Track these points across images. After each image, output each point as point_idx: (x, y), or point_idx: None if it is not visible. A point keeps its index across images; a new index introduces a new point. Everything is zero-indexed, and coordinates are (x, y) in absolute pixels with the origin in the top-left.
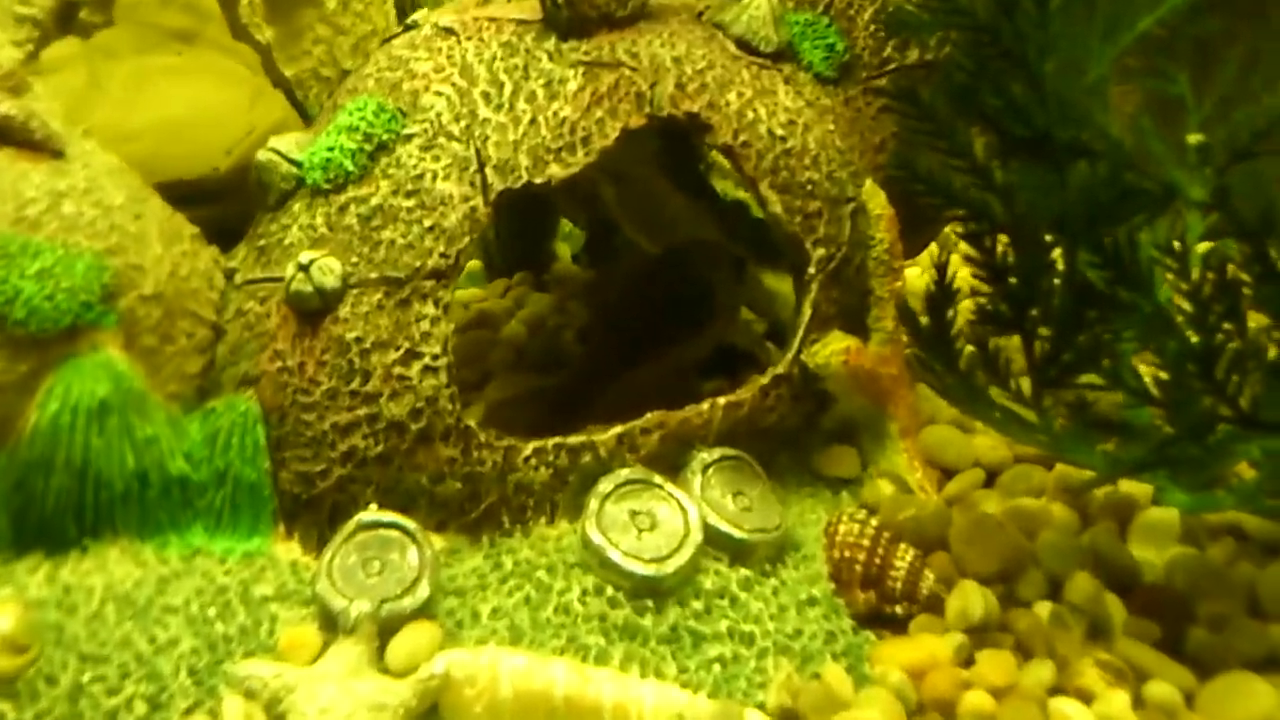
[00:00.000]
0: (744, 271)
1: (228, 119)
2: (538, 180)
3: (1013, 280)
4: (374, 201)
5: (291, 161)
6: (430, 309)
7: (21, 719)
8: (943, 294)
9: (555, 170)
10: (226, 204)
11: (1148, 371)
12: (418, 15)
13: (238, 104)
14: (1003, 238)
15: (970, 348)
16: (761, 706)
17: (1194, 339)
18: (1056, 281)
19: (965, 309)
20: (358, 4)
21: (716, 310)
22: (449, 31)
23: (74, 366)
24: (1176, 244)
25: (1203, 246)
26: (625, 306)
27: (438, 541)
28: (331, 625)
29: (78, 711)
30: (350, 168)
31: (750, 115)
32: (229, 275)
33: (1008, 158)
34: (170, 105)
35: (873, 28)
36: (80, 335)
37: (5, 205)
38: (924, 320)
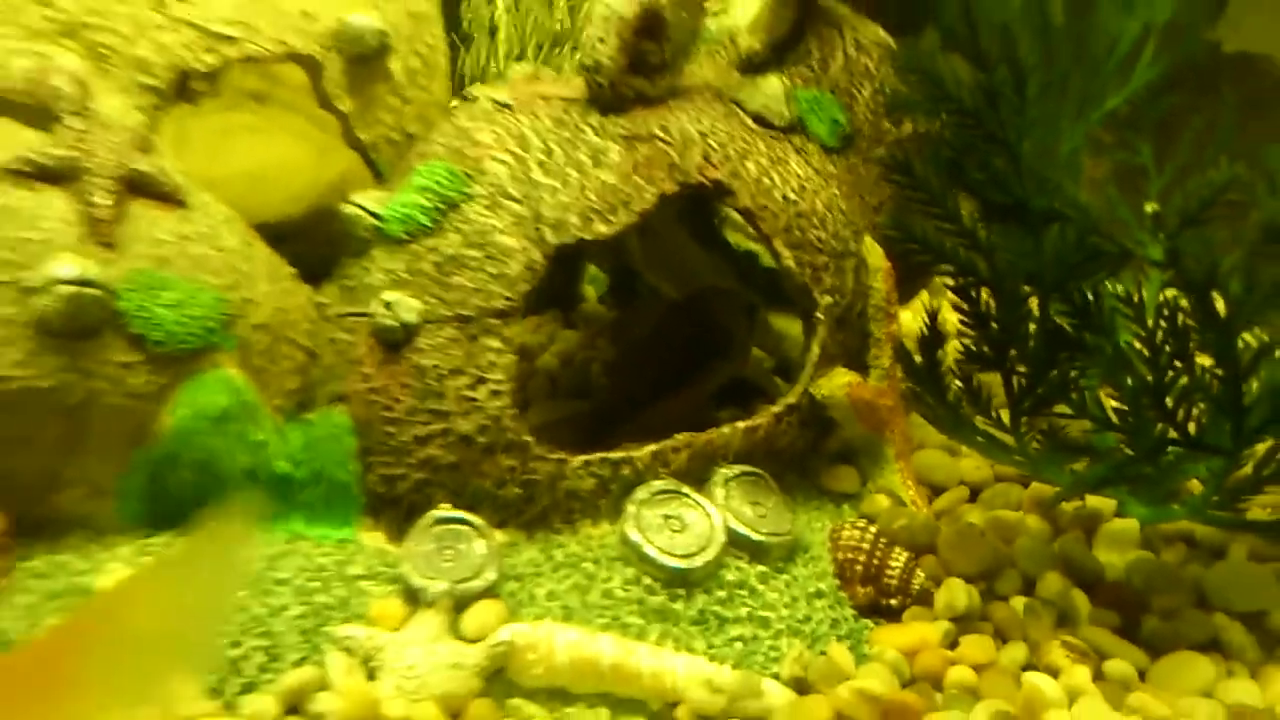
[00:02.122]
0: (755, 315)
1: (297, 171)
2: (587, 236)
3: (994, 326)
4: (446, 251)
5: (373, 215)
6: (496, 343)
7: None
8: (933, 337)
9: (601, 228)
10: (297, 245)
11: (1110, 403)
12: (474, 89)
13: (306, 158)
14: (986, 290)
15: (957, 383)
16: (776, 677)
17: (1149, 376)
18: (1032, 327)
19: (953, 349)
20: (421, 78)
21: (731, 348)
22: (505, 106)
23: (200, 381)
24: (1135, 296)
25: (1157, 297)
26: (650, 343)
27: (499, 536)
28: (413, 600)
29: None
30: (425, 222)
31: (767, 182)
32: (320, 309)
33: (991, 222)
34: (248, 157)
35: (871, 104)
36: (205, 355)
37: (144, 247)
38: (918, 358)
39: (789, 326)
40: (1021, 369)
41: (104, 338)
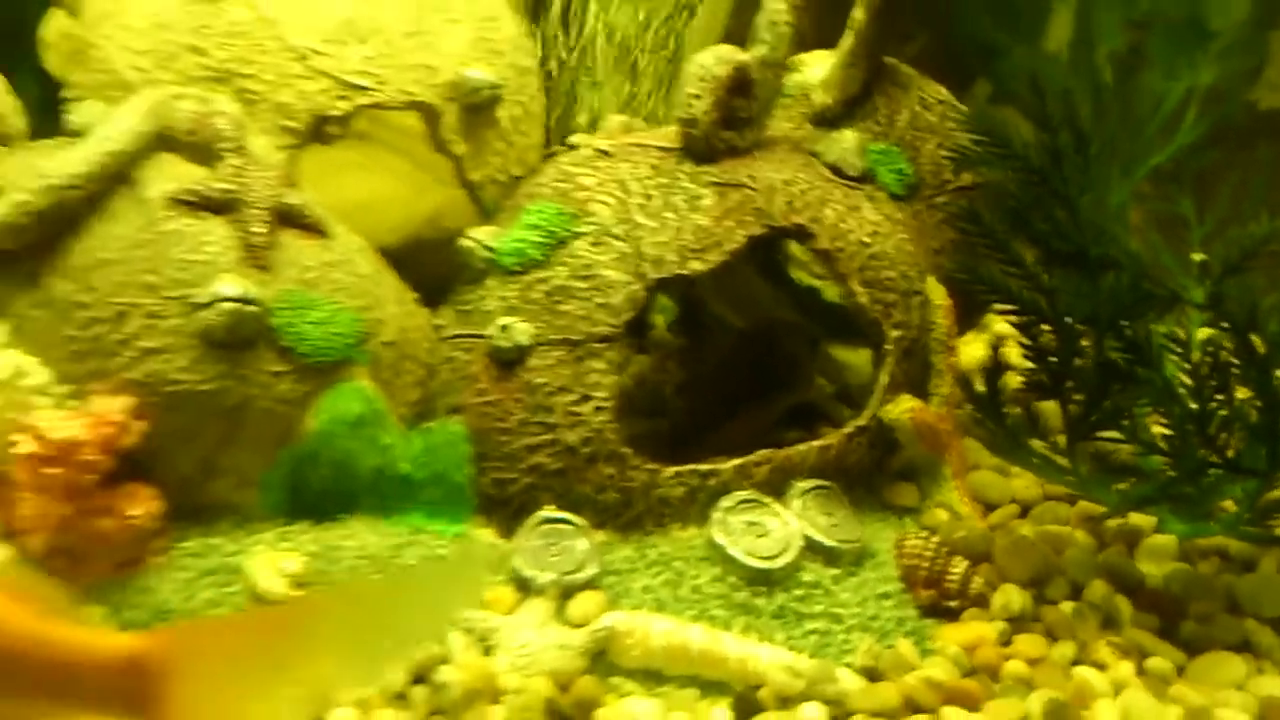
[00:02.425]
0: (817, 345)
1: (395, 204)
2: (684, 273)
3: (1053, 359)
4: (556, 282)
5: (487, 248)
6: (600, 364)
7: None
8: (995, 368)
9: (696, 265)
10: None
11: (1156, 430)
12: (576, 138)
13: (403, 193)
14: (1046, 327)
15: (1017, 409)
16: (849, 666)
17: (1192, 406)
18: (1088, 361)
19: (1011, 379)
20: (523, 125)
21: (795, 375)
22: (605, 154)
23: (338, 390)
24: (1180, 334)
25: (1201, 334)
26: (720, 369)
27: (598, 536)
28: (524, 588)
29: None
30: (536, 256)
31: (843, 226)
32: (437, 330)
33: (1051, 267)
34: (354, 191)
35: (933, 157)
36: (343, 368)
37: (293, 271)
38: (980, 388)
39: (848, 356)
40: (1077, 398)
41: (258, 349)
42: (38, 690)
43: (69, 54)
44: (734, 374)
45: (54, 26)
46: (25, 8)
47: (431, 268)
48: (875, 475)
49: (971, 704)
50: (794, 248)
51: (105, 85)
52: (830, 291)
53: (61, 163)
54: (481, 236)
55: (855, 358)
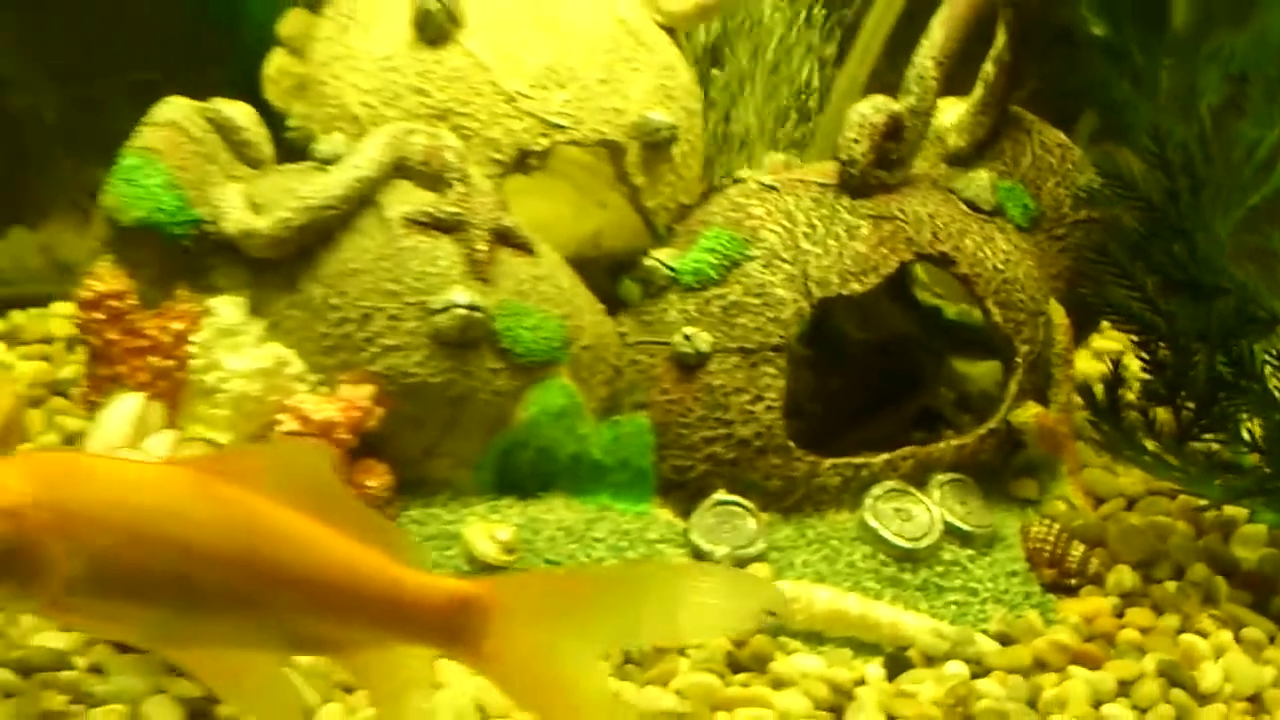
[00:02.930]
0: (942, 358)
1: (561, 224)
2: (845, 293)
3: (1169, 372)
4: (731, 298)
5: (668, 267)
6: (772, 370)
7: None
8: (1115, 378)
9: (856, 287)
10: None
11: (1257, 432)
12: (742, 172)
13: (567, 214)
14: (1162, 344)
15: (1132, 414)
16: (985, 632)
17: None
18: (1198, 374)
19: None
20: (689, 160)
21: (921, 384)
22: (770, 188)
23: (545, 385)
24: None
25: None
26: (852, 378)
27: (764, 517)
28: (701, 559)
29: None
30: (713, 275)
31: (980, 254)
32: (620, 336)
33: (1169, 293)
34: (527, 212)
35: (1053, 194)
36: (550, 367)
37: (509, 284)
38: (1100, 395)
39: (967, 368)
40: (1189, 406)
41: (481, 350)
42: (380, 621)
43: (288, 88)
44: (864, 382)
45: (275, 63)
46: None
47: (591, 281)
48: (1002, 471)
49: (1093, 664)
50: (918, 270)
51: (335, 118)
52: (949, 310)
53: (320, 186)
54: (663, 257)
55: (972, 369)
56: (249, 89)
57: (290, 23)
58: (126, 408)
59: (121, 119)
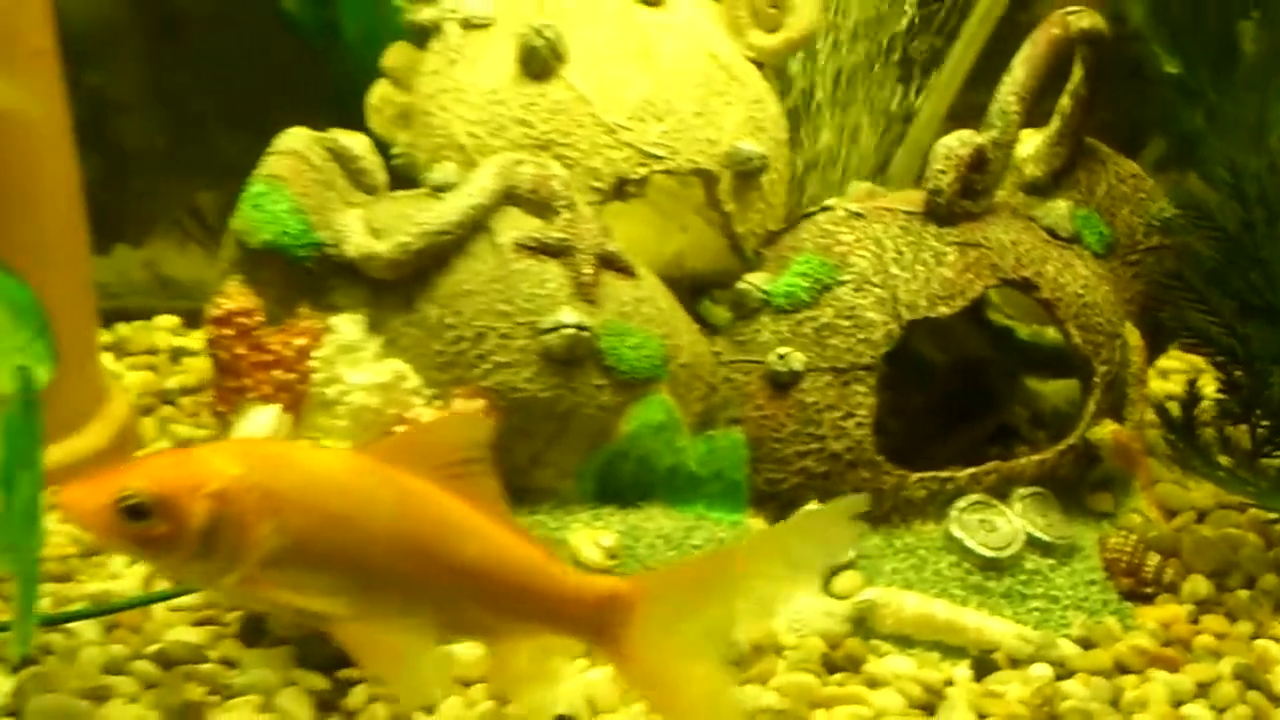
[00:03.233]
0: (1015, 377)
1: (643, 248)
2: (932, 315)
3: (1244, 392)
4: (823, 320)
5: (762, 291)
6: (862, 389)
7: None
8: (1191, 398)
9: (943, 310)
10: None
11: None
12: (831, 201)
13: (650, 237)
14: (1238, 366)
15: (1208, 431)
16: (1067, 636)
17: None
18: (1273, 393)
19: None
20: (776, 188)
21: (996, 402)
22: (858, 215)
23: (646, 401)
24: None
25: None
26: (930, 396)
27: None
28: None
29: None
30: (805, 298)
31: (1061, 279)
32: (715, 355)
33: (1245, 317)
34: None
35: (1127, 222)
36: (650, 384)
37: (613, 305)
38: (1176, 414)
39: (1040, 387)
40: (1264, 424)
41: (586, 367)
42: (536, 612)
43: (391, 117)
44: (941, 401)
45: (378, 94)
46: (344, 78)
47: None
48: (1079, 485)
49: (1172, 667)
50: (991, 293)
51: (441, 147)
52: (1022, 331)
53: (437, 213)
54: (757, 281)
55: (1044, 388)
56: (342, 115)
57: (394, 55)
58: (265, 417)
59: (221, 144)
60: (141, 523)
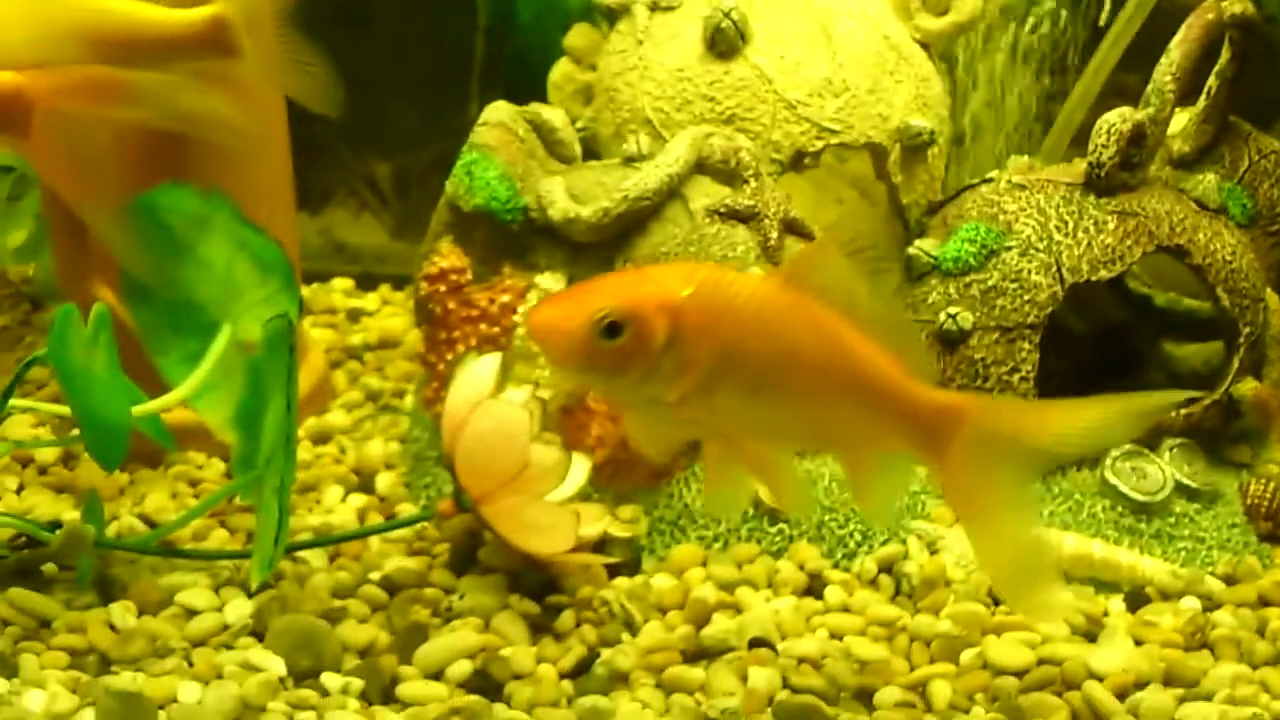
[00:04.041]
0: (1154, 342)
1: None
2: (1094, 279)
3: None
4: (990, 283)
5: (930, 255)
6: (1027, 345)
7: (793, 532)
8: None
9: (1104, 273)
10: None
11: None
12: (994, 173)
13: (805, 209)
14: None
15: None
16: (1212, 574)
17: None
18: None
19: None
20: (938, 161)
21: (1137, 365)
22: (1021, 187)
23: None
24: None
25: None
26: (1076, 360)
27: None
28: None
29: (820, 535)
30: (973, 262)
31: (1211, 246)
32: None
33: None
34: None
35: (1268, 195)
36: None
37: None
38: None
39: (1175, 350)
40: None
41: None
42: (883, 425)
43: (571, 94)
44: (1085, 364)
45: (560, 71)
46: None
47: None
48: (1220, 437)
49: None
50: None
51: (628, 121)
52: (1159, 298)
53: (637, 180)
54: (926, 247)
55: (1179, 351)
56: (512, 92)
57: (576, 35)
58: (488, 365)
59: (397, 119)
60: (614, 340)
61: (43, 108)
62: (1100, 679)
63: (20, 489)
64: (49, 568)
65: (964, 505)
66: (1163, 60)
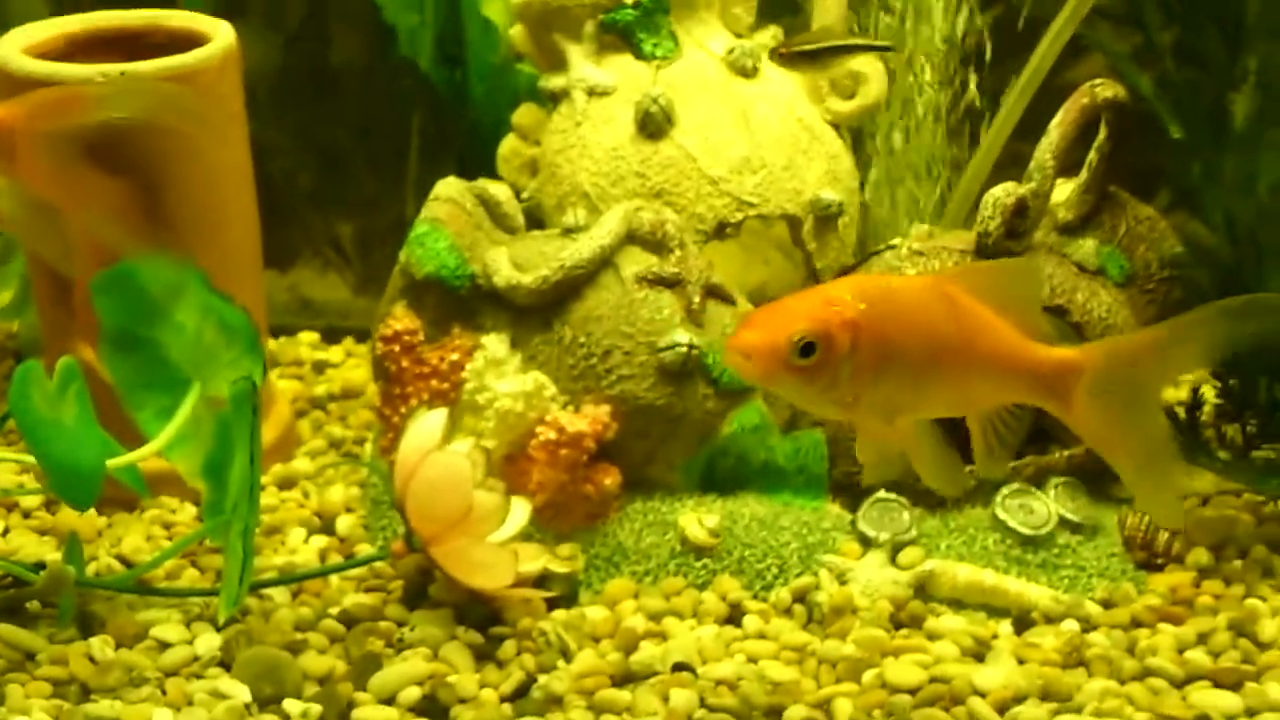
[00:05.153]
0: None
1: (733, 277)
2: None
3: (1237, 396)
4: None
5: None
6: None
7: (716, 566)
8: (1195, 402)
9: None
10: None
11: None
12: (897, 240)
13: (735, 269)
14: (1233, 376)
15: (1208, 430)
16: (1092, 599)
17: None
18: (1260, 397)
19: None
20: (849, 230)
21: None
22: (919, 253)
23: (744, 407)
24: None
25: None
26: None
27: (916, 511)
28: (865, 543)
29: (740, 568)
30: None
31: (1089, 305)
32: None
33: None
34: None
35: (1143, 258)
36: (748, 393)
37: (717, 328)
38: (1182, 415)
39: None
40: (1253, 423)
41: (694, 379)
42: (1013, 384)
43: (518, 167)
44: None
45: (508, 146)
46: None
47: None
48: (1102, 475)
49: (1177, 621)
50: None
51: (568, 194)
52: None
53: (573, 251)
54: None
55: None
56: (466, 162)
57: (523, 114)
58: (437, 418)
59: (360, 184)
60: (808, 358)
61: (23, 130)
62: (983, 695)
63: (5, 532)
64: (33, 605)
65: (1096, 438)
66: (1044, 140)
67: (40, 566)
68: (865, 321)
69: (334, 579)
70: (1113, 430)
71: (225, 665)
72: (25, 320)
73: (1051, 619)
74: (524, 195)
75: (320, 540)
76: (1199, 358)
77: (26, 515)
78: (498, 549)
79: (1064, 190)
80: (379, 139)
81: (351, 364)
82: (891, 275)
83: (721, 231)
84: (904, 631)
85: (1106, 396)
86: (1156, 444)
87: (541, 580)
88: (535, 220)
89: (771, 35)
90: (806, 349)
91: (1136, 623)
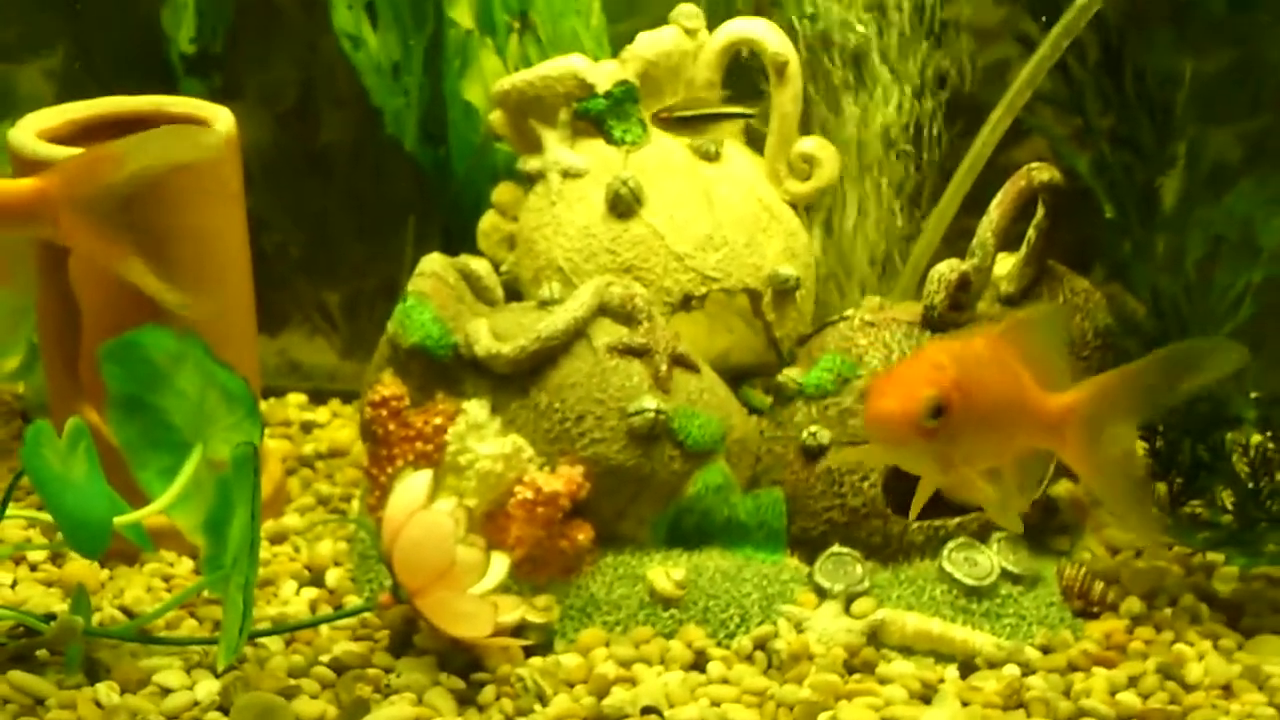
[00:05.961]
0: None
1: (699, 345)
2: None
3: (1163, 456)
4: (844, 405)
5: (796, 382)
6: None
7: (682, 616)
8: None
9: None
10: None
11: (1229, 499)
12: (850, 311)
13: (701, 336)
14: (1160, 436)
15: None
16: (1032, 645)
17: (1249, 485)
18: (1184, 458)
19: None
20: (806, 301)
21: None
22: (871, 324)
23: (708, 468)
24: (1243, 440)
25: (1255, 440)
26: None
27: (869, 564)
28: (821, 594)
29: (705, 618)
30: (831, 388)
31: None
32: (761, 432)
33: None
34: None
35: (1080, 327)
36: (712, 454)
37: (683, 395)
38: None
39: None
40: (1179, 480)
41: (662, 442)
42: (1023, 422)
43: (497, 241)
44: None
45: (488, 221)
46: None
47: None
48: (1042, 530)
49: (1110, 665)
50: None
51: (543, 268)
52: None
53: (548, 323)
54: (793, 374)
55: None
56: (449, 235)
57: (501, 192)
58: (422, 479)
59: (347, 253)
60: (935, 420)
61: (62, 198)
62: None
63: (14, 584)
64: (42, 653)
65: (1084, 467)
66: (984, 219)
67: (50, 617)
68: (963, 383)
69: (325, 629)
70: (1094, 460)
71: (223, 709)
72: (31, 383)
73: (994, 664)
74: (503, 268)
75: (311, 592)
76: (1164, 393)
77: (34, 568)
78: (478, 600)
79: (1006, 264)
80: (365, 213)
81: (338, 424)
82: (965, 337)
83: (687, 304)
84: (857, 676)
85: (1094, 431)
86: (1133, 469)
87: (519, 630)
88: (513, 292)
89: (733, 123)
90: (936, 412)
91: (1073, 667)
